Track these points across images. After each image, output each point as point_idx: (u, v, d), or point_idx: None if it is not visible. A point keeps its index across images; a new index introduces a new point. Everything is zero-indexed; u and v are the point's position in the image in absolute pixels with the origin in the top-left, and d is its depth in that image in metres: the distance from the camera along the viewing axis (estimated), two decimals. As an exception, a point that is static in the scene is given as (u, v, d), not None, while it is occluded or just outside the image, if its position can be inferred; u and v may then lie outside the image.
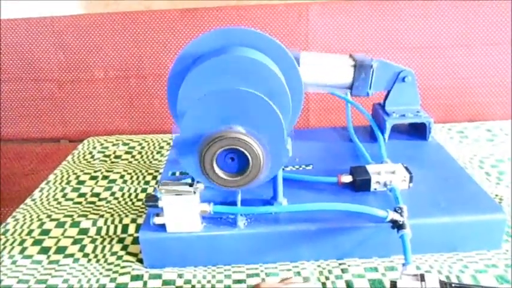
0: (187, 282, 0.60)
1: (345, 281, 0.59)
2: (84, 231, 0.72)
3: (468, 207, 0.64)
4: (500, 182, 0.80)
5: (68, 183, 0.88)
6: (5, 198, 1.20)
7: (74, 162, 0.98)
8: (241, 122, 0.54)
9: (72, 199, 0.83)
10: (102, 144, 1.07)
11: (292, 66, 0.62)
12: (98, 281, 0.62)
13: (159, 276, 0.61)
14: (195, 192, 0.60)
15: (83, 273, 0.63)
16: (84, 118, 1.24)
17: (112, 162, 0.97)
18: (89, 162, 0.98)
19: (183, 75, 0.60)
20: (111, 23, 1.16)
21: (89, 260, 0.66)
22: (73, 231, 0.72)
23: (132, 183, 0.87)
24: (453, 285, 0.50)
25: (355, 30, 1.13)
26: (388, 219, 0.59)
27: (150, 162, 0.96)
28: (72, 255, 0.67)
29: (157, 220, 0.62)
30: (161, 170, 0.88)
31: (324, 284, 0.59)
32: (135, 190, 0.84)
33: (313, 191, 0.69)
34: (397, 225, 0.59)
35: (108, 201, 0.81)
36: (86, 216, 0.76)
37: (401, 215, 0.59)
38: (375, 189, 0.68)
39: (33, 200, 0.83)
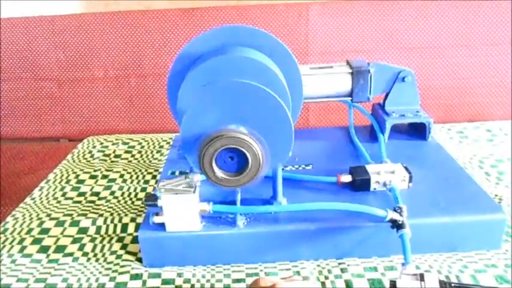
0: (187, 281, 0.60)
1: (345, 280, 0.59)
2: (83, 230, 0.72)
3: (468, 207, 0.64)
4: (499, 182, 0.80)
5: (68, 182, 0.88)
6: (5, 197, 1.20)
7: (74, 161, 0.98)
8: (245, 117, 0.54)
9: (71, 198, 0.82)
10: (101, 144, 1.07)
11: (293, 65, 0.62)
12: (97, 280, 0.62)
13: (158, 276, 0.61)
14: (194, 192, 0.60)
15: (82, 272, 0.63)
16: (84, 117, 1.24)
17: (112, 162, 0.97)
18: (89, 161, 0.98)
19: (183, 75, 0.60)
20: (111, 23, 1.16)
21: (88, 259, 0.66)
22: (72, 230, 0.72)
23: (131, 182, 0.87)
24: (453, 285, 0.49)
25: (355, 30, 1.13)
26: (387, 218, 0.59)
27: (150, 161, 0.96)
28: (71, 254, 0.67)
29: (156, 219, 0.62)
30: (161, 169, 0.88)
31: (323, 283, 0.59)
32: (135, 189, 0.84)
33: (312, 191, 0.69)
34: (397, 225, 0.59)
35: (108, 201, 0.81)
36: (85, 215, 0.76)
37: (401, 215, 0.59)
38: (375, 189, 0.68)
39: (33, 199, 0.83)
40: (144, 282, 0.60)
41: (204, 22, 1.14)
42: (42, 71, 1.21)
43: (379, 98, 0.87)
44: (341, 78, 0.78)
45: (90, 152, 1.03)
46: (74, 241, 0.70)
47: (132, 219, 0.74)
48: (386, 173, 0.68)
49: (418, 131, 0.85)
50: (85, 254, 0.67)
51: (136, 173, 0.90)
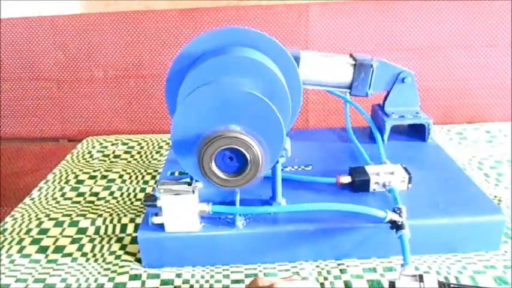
0: (186, 282, 0.60)
1: (344, 281, 0.59)
2: (82, 231, 0.72)
3: (467, 209, 0.64)
4: (499, 183, 0.80)
5: (67, 182, 0.88)
6: (4, 197, 1.20)
7: (73, 162, 0.98)
8: (239, 122, 0.54)
9: (70, 198, 0.82)
10: (101, 144, 1.07)
11: (292, 66, 0.62)
12: (96, 280, 0.61)
13: (157, 276, 0.61)
14: (193, 192, 0.60)
15: (81, 273, 0.63)
16: (83, 118, 1.24)
17: (111, 162, 0.97)
18: (88, 161, 0.98)
19: (182, 75, 0.60)
20: (111, 23, 1.16)
21: (87, 260, 0.66)
22: (71, 231, 0.72)
23: (131, 182, 0.87)
24: (452, 286, 0.50)
25: (355, 30, 1.13)
26: (387, 219, 0.59)
27: (149, 162, 0.96)
28: (70, 254, 0.67)
29: (155, 220, 0.62)
30: (160, 170, 0.88)
31: (322, 284, 0.59)
32: (134, 190, 0.84)
33: (312, 192, 0.69)
34: (396, 226, 0.59)
35: (107, 201, 0.81)
36: (84, 215, 0.76)
37: (400, 216, 0.59)
38: (374, 189, 0.68)
39: (32, 199, 0.83)
40: (143, 283, 0.60)
41: (203, 22, 1.14)
42: (42, 71, 1.21)
43: (379, 99, 0.87)
44: (343, 68, 0.77)
45: (89, 152, 1.03)
46: (73, 241, 0.70)
47: (131, 220, 0.74)
48: (386, 174, 0.68)
49: (417, 132, 0.85)
50: (84, 255, 0.67)
51: (135, 174, 0.90)
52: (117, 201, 0.81)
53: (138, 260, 0.65)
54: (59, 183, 0.88)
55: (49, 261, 0.66)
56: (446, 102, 1.16)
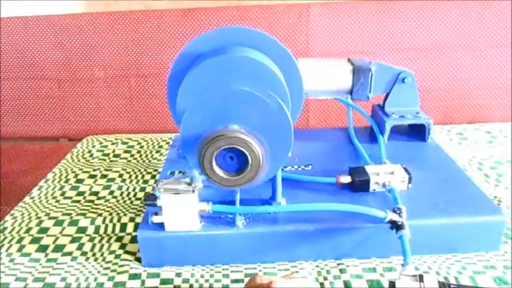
0: (185, 281, 0.60)
1: (343, 281, 0.59)
2: (82, 230, 0.72)
3: (467, 209, 0.64)
4: (499, 184, 0.80)
5: (67, 181, 0.88)
6: (4, 196, 1.20)
7: (73, 161, 0.98)
8: (241, 122, 0.54)
9: (70, 197, 0.82)
10: (101, 143, 1.07)
11: (293, 66, 0.62)
12: (95, 279, 0.61)
13: (157, 275, 0.61)
14: (193, 191, 0.60)
15: (81, 272, 0.63)
16: (83, 117, 1.24)
17: (111, 161, 0.97)
18: (88, 160, 0.98)
19: (182, 75, 0.60)
20: (111, 22, 1.16)
21: (87, 259, 0.66)
22: (71, 230, 0.72)
23: (131, 182, 0.87)
24: (451, 286, 0.50)
25: (356, 30, 1.13)
26: (386, 219, 0.59)
27: (149, 161, 0.96)
28: (70, 253, 0.67)
29: (155, 219, 0.62)
30: (160, 169, 0.88)
31: (322, 284, 0.59)
32: (134, 189, 0.84)
33: (312, 192, 0.69)
34: (396, 226, 0.59)
35: (107, 200, 0.81)
36: (84, 214, 0.76)
37: (400, 216, 0.59)
38: (374, 189, 0.68)
39: (32, 198, 0.83)
40: (143, 282, 0.60)
41: (204, 22, 1.14)
42: (42, 70, 1.21)
43: (379, 99, 0.87)
44: (342, 74, 0.78)
45: (89, 151, 1.03)
46: (73, 240, 0.70)
47: (131, 219, 0.74)
48: (386, 174, 0.68)
49: (417, 132, 0.85)
50: (84, 254, 0.67)
51: (135, 173, 0.90)
52: (117, 201, 0.81)
53: (138, 259, 0.65)
54: (59, 182, 0.88)
55: (49, 260, 0.66)
56: (447, 102, 1.17)
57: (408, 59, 1.13)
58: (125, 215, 0.75)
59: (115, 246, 0.68)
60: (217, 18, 1.14)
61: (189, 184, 0.60)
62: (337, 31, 1.13)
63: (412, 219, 0.59)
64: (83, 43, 1.18)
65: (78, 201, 0.81)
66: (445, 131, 1.04)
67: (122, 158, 0.99)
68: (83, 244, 0.69)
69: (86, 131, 1.23)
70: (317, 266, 0.62)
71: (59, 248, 0.68)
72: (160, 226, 0.62)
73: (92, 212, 0.77)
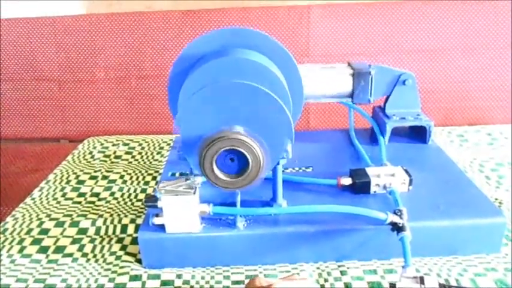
0: (186, 282, 0.60)
1: (344, 283, 0.59)
2: (83, 231, 0.72)
3: (468, 211, 0.64)
4: (500, 185, 0.80)
5: (68, 182, 0.88)
6: (5, 197, 1.20)
7: (74, 162, 0.98)
8: (244, 118, 0.54)
9: (71, 199, 0.82)
10: (102, 144, 1.07)
11: (293, 67, 0.62)
12: (96, 280, 0.61)
13: (157, 277, 0.61)
14: (194, 193, 0.60)
15: (82, 273, 0.63)
16: (84, 118, 1.24)
17: (112, 162, 0.97)
18: (89, 162, 0.98)
19: (183, 76, 0.60)
20: (112, 24, 1.16)
21: (88, 260, 0.66)
22: (72, 231, 0.72)
23: (131, 183, 0.87)
24: (452, 288, 0.50)
25: (356, 32, 1.13)
26: (387, 221, 0.59)
27: (150, 162, 0.96)
28: (71, 254, 0.67)
29: (156, 220, 0.62)
30: (161, 171, 0.88)
31: (322, 286, 0.59)
32: (135, 190, 0.84)
33: (312, 193, 0.69)
34: (397, 228, 0.59)
35: (108, 201, 0.81)
36: (85, 216, 0.76)
37: (401, 218, 0.59)
38: (375, 191, 0.68)
39: (33, 199, 0.83)
40: (144, 284, 0.60)
41: (205, 24, 1.14)
42: (43, 71, 1.21)
43: (379, 101, 0.87)
44: (342, 78, 0.78)
45: (90, 152, 1.03)
46: (74, 242, 0.70)
47: (132, 220, 0.74)
48: (387, 175, 0.68)
49: (418, 134, 0.85)
50: (84, 255, 0.67)
51: (136, 174, 0.90)
52: (118, 202, 0.81)
53: (139, 261, 0.65)
54: (59, 183, 0.88)
55: (49, 262, 0.66)
56: (448, 104, 1.17)
57: (409, 60, 1.14)
58: (126, 216, 0.75)
59: (116, 247, 0.68)
60: (218, 19, 1.14)
61: (190, 186, 0.60)
62: (337, 33, 1.13)
63: (412, 221, 0.59)
64: (84, 44, 1.18)
65: (79, 203, 0.81)
66: (445, 133, 1.04)
67: (123, 160, 0.99)
68: (83, 245, 0.69)
69: (86, 132, 1.23)
70: (318, 268, 0.62)
71: (59, 249, 0.68)
72: (161, 227, 0.62)
73: (93, 213, 0.77)
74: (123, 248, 0.68)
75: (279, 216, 0.64)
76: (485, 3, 1.09)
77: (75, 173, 0.92)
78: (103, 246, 0.69)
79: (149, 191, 0.84)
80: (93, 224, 0.74)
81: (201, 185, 0.61)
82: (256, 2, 1.17)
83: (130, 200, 0.81)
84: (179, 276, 0.61)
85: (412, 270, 0.52)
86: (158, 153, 1.01)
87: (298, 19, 1.13)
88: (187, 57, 0.62)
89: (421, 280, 0.49)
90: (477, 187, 0.70)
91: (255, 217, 0.64)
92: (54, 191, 0.85)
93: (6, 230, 0.73)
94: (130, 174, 0.90)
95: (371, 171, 0.69)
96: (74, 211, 0.78)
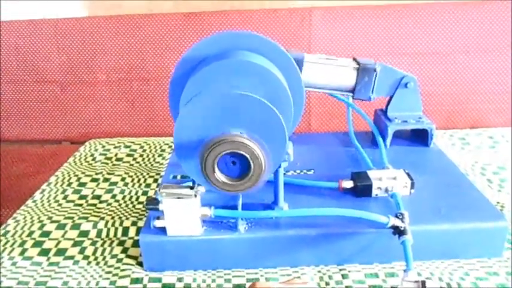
0: (187, 286, 0.60)
1: (345, 286, 0.59)
2: (84, 234, 0.72)
3: (469, 214, 0.64)
4: (501, 189, 0.80)
5: (69, 185, 0.88)
6: (6, 199, 1.20)
7: (76, 164, 0.98)
8: (241, 126, 0.54)
9: (73, 201, 0.83)
10: (103, 147, 1.07)
11: (294, 70, 0.62)
12: (97, 283, 0.61)
13: (158, 280, 0.61)
14: (196, 196, 0.60)
15: (83, 276, 0.63)
16: (86, 120, 1.24)
17: (113, 165, 0.97)
18: (91, 164, 0.98)
19: (185, 79, 0.60)
20: (114, 26, 1.16)
21: (89, 263, 0.66)
22: (73, 233, 0.72)
23: (133, 185, 0.87)
24: (454, 292, 0.49)
25: (358, 35, 1.13)
26: (389, 225, 0.59)
27: (152, 165, 0.96)
28: (72, 257, 0.67)
29: (157, 223, 0.62)
30: (162, 173, 0.88)
31: (324, 289, 0.59)
32: (136, 193, 0.84)
33: (314, 196, 0.69)
34: (399, 231, 0.58)
35: (109, 204, 0.81)
36: (86, 218, 0.76)
37: (403, 221, 0.59)
38: (376, 195, 0.68)
39: (34, 201, 0.83)
40: (145, 287, 0.60)
41: (206, 26, 1.15)
42: (45, 73, 1.21)
43: (381, 104, 0.87)
44: (346, 72, 0.78)
45: (92, 155, 1.03)
46: (75, 244, 0.70)
47: (133, 223, 0.74)
48: (388, 179, 0.68)
49: (420, 137, 0.85)
50: (86, 257, 0.67)
51: (137, 177, 0.90)
52: (119, 204, 0.81)
53: (140, 264, 0.65)
54: (61, 185, 0.88)
55: (51, 264, 0.66)
56: (449, 107, 1.16)
57: (411, 63, 1.14)
58: (127, 219, 0.75)
59: (117, 250, 0.68)
60: (219, 22, 1.14)
61: (191, 188, 0.60)
62: (339, 35, 1.13)
63: (414, 225, 0.59)
64: (85, 47, 1.18)
65: (81, 205, 0.81)
66: (447, 136, 1.04)
67: (124, 162, 0.99)
68: (85, 248, 0.69)
69: (88, 134, 1.24)
70: (319, 271, 0.62)
71: (61, 252, 0.68)
72: (163, 230, 0.62)
73: (94, 216, 0.77)
74: (125, 250, 0.68)
75: (280, 219, 0.64)
76: (485, 5, 1.09)
77: (76, 175, 0.92)
78: (104, 249, 0.69)
79: (150, 193, 0.84)
80: (94, 226, 0.74)
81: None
82: (258, 5, 1.17)
83: (132, 203, 0.81)
84: (180, 280, 0.61)
85: (414, 274, 0.52)
86: (160, 155, 1.01)
87: (300, 22, 1.13)
88: (188, 60, 0.62)
89: (423, 284, 0.49)
90: (479, 190, 0.70)
91: (256, 220, 0.64)
92: (55, 193, 0.85)
93: (7, 232, 0.73)
94: (131, 176, 0.90)
95: (373, 174, 0.69)
96: (76, 213, 0.78)
